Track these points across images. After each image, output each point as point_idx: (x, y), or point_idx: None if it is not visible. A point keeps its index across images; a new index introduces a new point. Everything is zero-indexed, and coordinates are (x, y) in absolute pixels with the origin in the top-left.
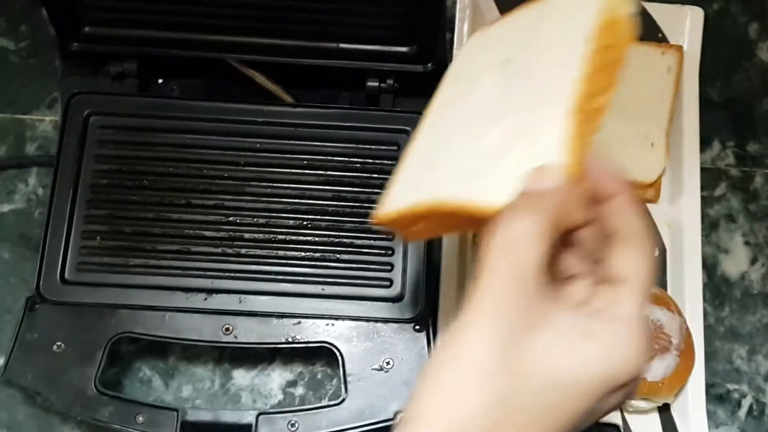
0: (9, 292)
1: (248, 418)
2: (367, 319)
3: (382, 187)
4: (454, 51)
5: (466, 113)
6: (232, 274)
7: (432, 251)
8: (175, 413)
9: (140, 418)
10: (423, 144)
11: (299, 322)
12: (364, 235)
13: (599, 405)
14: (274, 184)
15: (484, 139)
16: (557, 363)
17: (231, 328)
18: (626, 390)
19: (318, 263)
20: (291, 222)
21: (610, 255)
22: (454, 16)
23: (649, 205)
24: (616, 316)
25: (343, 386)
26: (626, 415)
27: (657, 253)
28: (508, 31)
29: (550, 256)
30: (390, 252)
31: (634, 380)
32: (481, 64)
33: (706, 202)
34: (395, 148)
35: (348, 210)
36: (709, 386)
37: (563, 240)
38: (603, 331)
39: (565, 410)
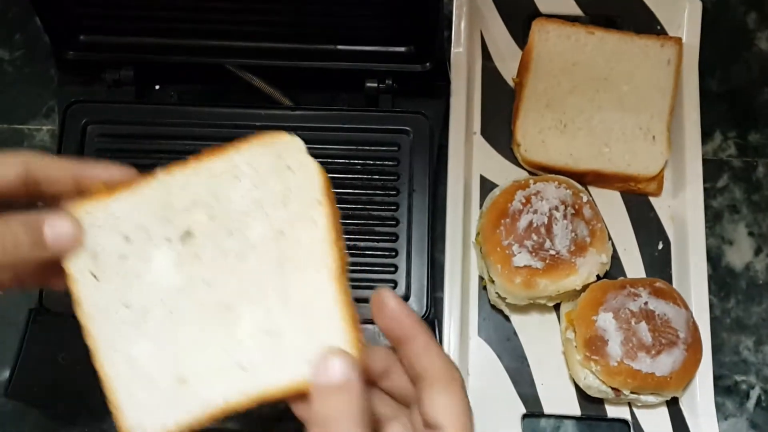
0: (12, 304)
1: (253, 426)
2: (373, 322)
3: (383, 188)
4: (452, 49)
5: (160, 305)
6: None
7: (436, 251)
8: None
9: None
10: (131, 349)
11: None
12: (367, 237)
13: None
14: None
15: (234, 327)
16: None
17: None
18: None
19: None
20: None
21: (422, 399)
22: (451, 13)
23: (652, 199)
24: None
25: None
26: (635, 410)
27: (464, 392)
28: (147, 201)
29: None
30: (394, 254)
31: None
32: (135, 245)
33: (708, 193)
34: (395, 148)
35: (350, 212)
36: (716, 378)
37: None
38: None
39: None
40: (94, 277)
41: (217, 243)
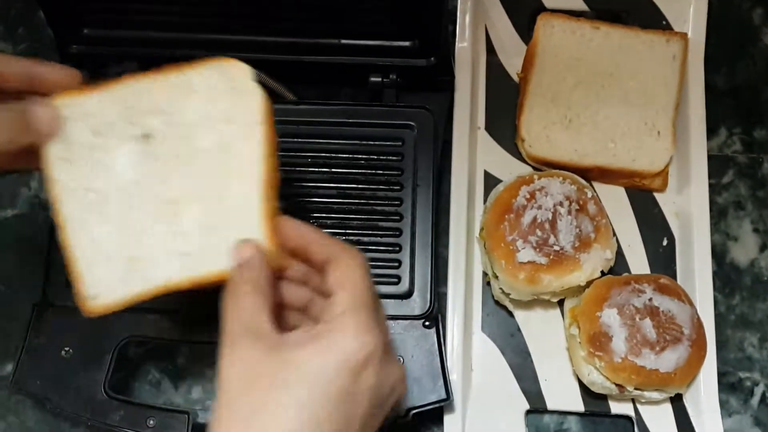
0: (15, 298)
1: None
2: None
3: (387, 183)
4: (457, 43)
5: (119, 193)
6: None
7: (440, 246)
8: (186, 416)
9: (151, 422)
10: (93, 229)
11: None
12: (370, 232)
13: (354, 386)
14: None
15: (179, 219)
16: (303, 360)
17: None
18: (373, 368)
19: None
20: None
21: (324, 280)
22: (455, 7)
23: (657, 195)
24: (331, 316)
25: None
26: (639, 406)
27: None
28: (114, 102)
29: (273, 307)
30: (398, 249)
31: (371, 358)
32: (101, 138)
33: (713, 189)
34: (399, 143)
35: (354, 207)
36: (720, 375)
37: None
38: (324, 330)
39: (329, 394)
40: (67, 162)
41: (171, 147)
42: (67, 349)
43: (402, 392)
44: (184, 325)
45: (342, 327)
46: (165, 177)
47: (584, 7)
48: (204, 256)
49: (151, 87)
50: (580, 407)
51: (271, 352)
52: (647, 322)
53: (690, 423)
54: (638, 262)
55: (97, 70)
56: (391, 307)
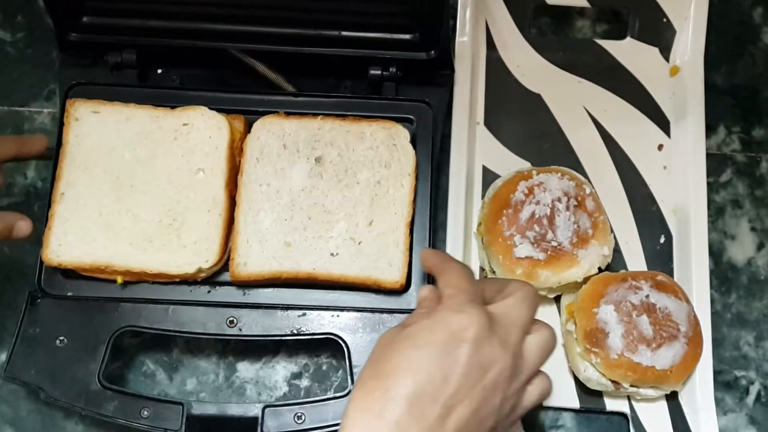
0: (10, 287)
1: (254, 411)
2: (373, 311)
3: None
4: (457, 38)
5: (289, 194)
6: None
7: (437, 241)
8: (181, 407)
9: (145, 413)
10: (259, 214)
11: (304, 314)
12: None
13: (453, 349)
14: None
15: (331, 226)
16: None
17: (235, 320)
18: (473, 341)
19: None
20: None
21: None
22: (456, 2)
23: (655, 192)
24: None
25: (349, 378)
26: (634, 403)
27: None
28: (306, 129)
29: None
30: None
31: (468, 329)
32: (288, 151)
33: (711, 188)
34: None
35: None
36: (716, 373)
37: None
38: (433, 311)
39: (431, 354)
40: (258, 160)
41: (337, 172)
42: (61, 338)
43: (542, 391)
44: (181, 317)
45: (443, 308)
46: (326, 192)
47: (585, 3)
48: (345, 261)
49: (334, 126)
50: (576, 403)
51: (400, 330)
52: (644, 319)
53: (685, 420)
54: (635, 259)
55: (96, 58)
56: (387, 301)
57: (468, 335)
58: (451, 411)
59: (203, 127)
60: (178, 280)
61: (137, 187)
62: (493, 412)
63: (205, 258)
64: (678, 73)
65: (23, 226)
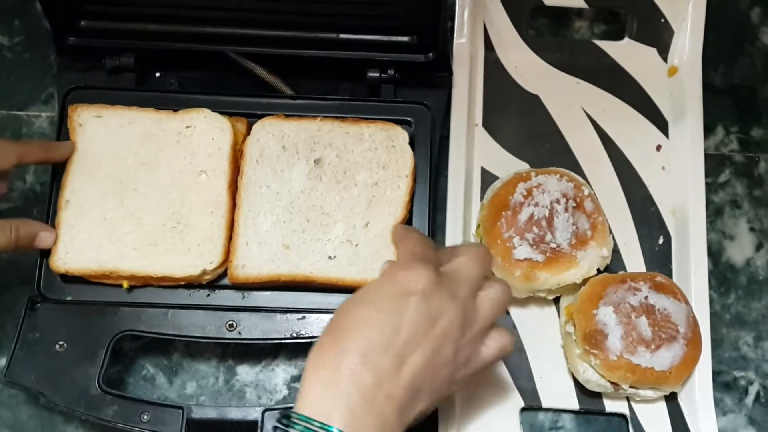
0: (9, 292)
1: (254, 414)
2: None
3: None
4: (455, 39)
5: (288, 196)
6: None
7: (435, 240)
8: (181, 411)
9: (145, 417)
10: (258, 216)
11: (304, 317)
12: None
13: (401, 299)
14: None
15: (329, 229)
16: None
17: (235, 323)
18: (422, 294)
19: None
20: None
21: None
22: (454, 3)
23: (653, 193)
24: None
25: None
26: (633, 404)
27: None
28: (305, 130)
29: None
30: None
31: (417, 284)
32: (287, 153)
33: (710, 188)
34: None
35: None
36: (715, 374)
37: None
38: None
39: (381, 304)
40: (257, 162)
41: (335, 174)
42: (61, 343)
43: (502, 346)
44: (180, 321)
45: (393, 266)
46: (324, 193)
47: (583, 4)
48: (343, 263)
49: (333, 127)
50: (575, 405)
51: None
52: (643, 320)
53: (684, 421)
54: (634, 260)
55: (94, 62)
56: None
57: (416, 287)
58: (405, 359)
59: (206, 129)
60: (183, 283)
61: (140, 190)
62: (447, 361)
63: (210, 260)
64: (676, 74)
65: (46, 237)
